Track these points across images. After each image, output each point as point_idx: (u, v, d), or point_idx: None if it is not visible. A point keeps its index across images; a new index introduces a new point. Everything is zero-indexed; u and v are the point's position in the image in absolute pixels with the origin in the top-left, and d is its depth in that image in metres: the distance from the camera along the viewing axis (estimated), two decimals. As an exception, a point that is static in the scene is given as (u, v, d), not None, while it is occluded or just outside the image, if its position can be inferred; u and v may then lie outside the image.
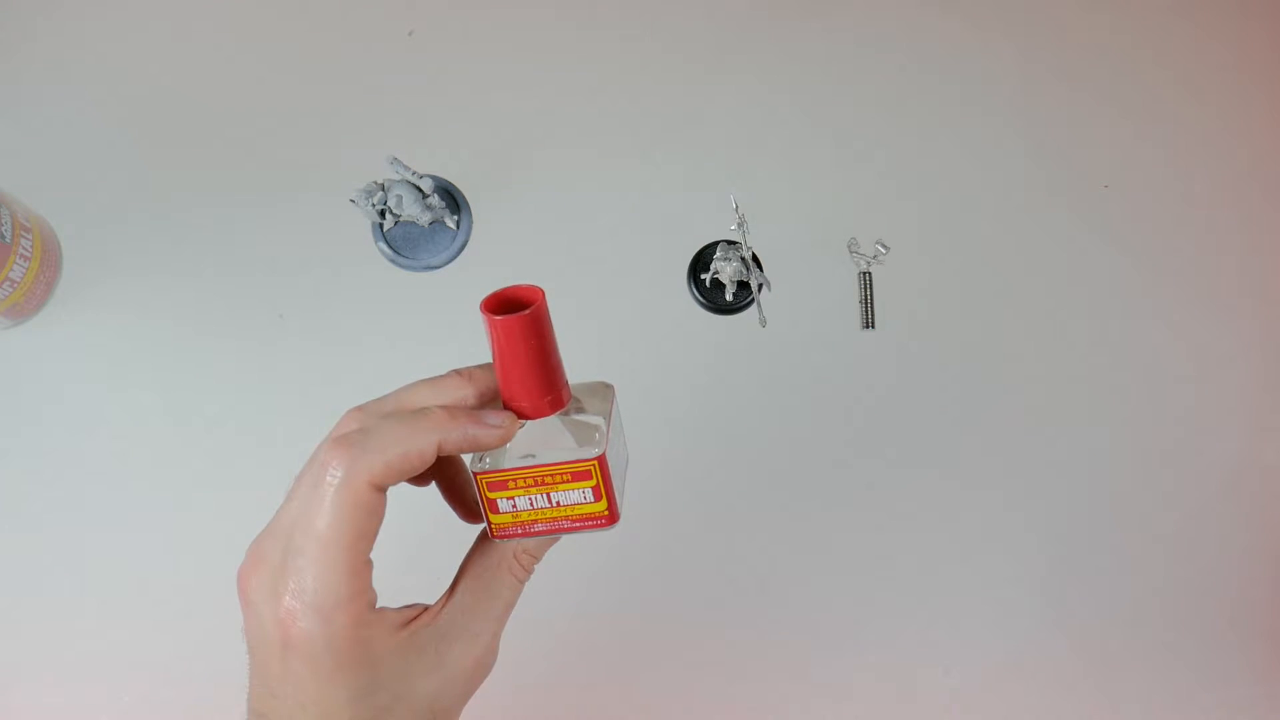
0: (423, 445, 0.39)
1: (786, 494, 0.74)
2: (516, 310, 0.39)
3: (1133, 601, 0.74)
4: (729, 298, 0.75)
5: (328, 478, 0.37)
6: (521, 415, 0.42)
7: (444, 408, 0.40)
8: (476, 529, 0.46)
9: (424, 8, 0.79)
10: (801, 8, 0.80)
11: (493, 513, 0.42)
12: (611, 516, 0.42)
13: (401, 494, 0.44)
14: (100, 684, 0.70)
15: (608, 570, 0.71)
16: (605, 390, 0.45)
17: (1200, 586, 0.74)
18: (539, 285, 0.40)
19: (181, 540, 0.72)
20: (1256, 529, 0.74)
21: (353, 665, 0.38)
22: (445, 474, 0.46)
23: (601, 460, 0.41)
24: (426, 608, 0.42)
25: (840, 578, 0.73)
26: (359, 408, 0.41)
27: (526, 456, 0.41)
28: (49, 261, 0.73)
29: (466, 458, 0.43)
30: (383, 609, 0.40)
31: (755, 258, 0.75)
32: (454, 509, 0.47)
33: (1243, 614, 0.74)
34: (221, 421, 0.73)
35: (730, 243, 0.74)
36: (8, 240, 0.67)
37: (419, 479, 0.46)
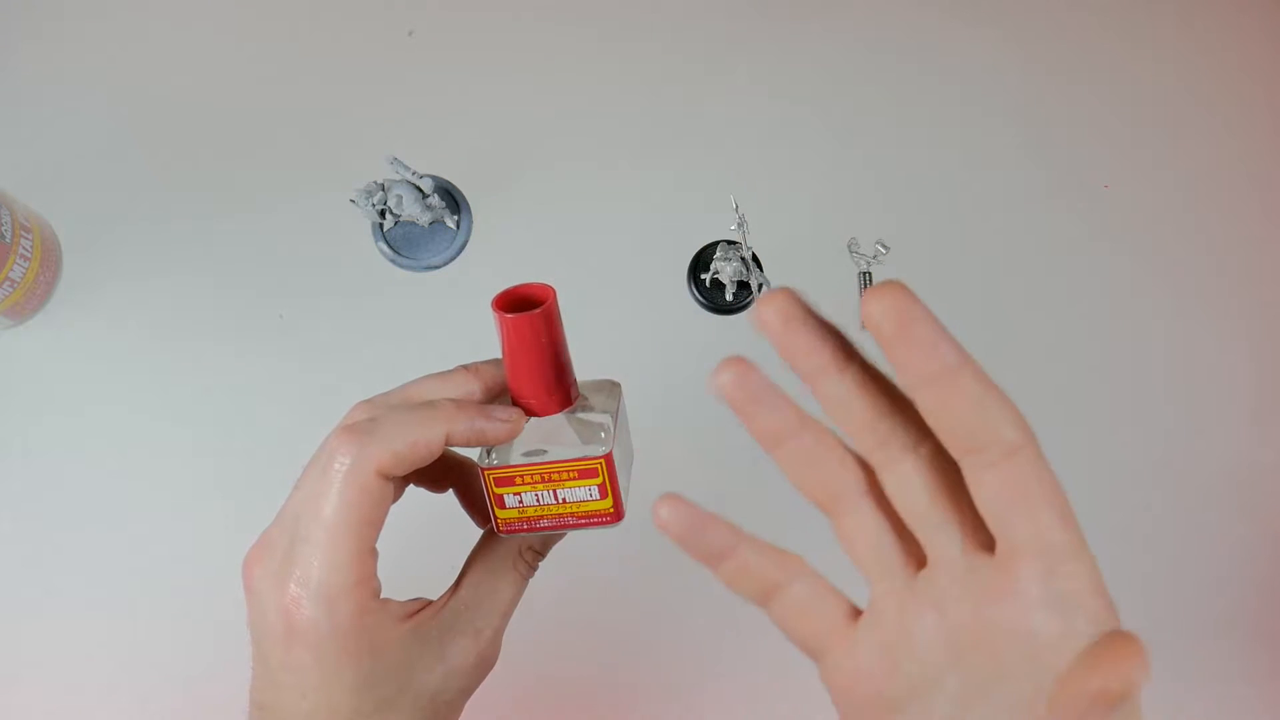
0: (430, 436, 0.39)
1: (786, 493, 0.74)
2: (527, 308, 0.39)
3: (1130, 602, 0.74)
4: (729, 298, 0.75)
5: (335, 465, 0.38)
6: (529, 412, 0.42)
7: (452, 401, 0.40)
8: (481, 528, 0.46)
9: (424, 8, 0.79)
10: (801, 8, 0.80)
11: (499, 508, 0.42)
12: (616, 514, 0.43)
13: (409, 494, 0.44)
14: (100, 684, 0.70)
15: (609, 567, 0.71)
16: (612, 388, 0.45)
17: (1198, 586, 0.74)
18: (549, 284, 0.40)
19: (182, 539, 0.71)
20: (1254, 529, 0.75)
21: (356, 654, 0.38)
22: (462, 480, 0.46)
23: (608, 458, 0.41)
24: (431, 602, 0.42)
25: (841, 577, 0.73)
26: (367, 400, 0.41)
27: (533, 453, 0.41)
28: (49, 261, 0.72)
29: (474, 455, 0.43)
30: (387, 600, 0.40)
31: (755, 258, 0.75)
32: (471, 516, 0.47)
33: (1241, 614, 0.74)
34: (221, 421, 0.73)
35: (730, 243, 0.74)
36: (8, 240, 0.67)
37: (435, 484, 0.46)
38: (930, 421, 0.31)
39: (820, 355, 0.32)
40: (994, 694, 0.32)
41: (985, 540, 0.32)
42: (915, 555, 0.34)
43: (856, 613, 0.35)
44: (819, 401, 0.33)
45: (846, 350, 0.32)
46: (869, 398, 0.32)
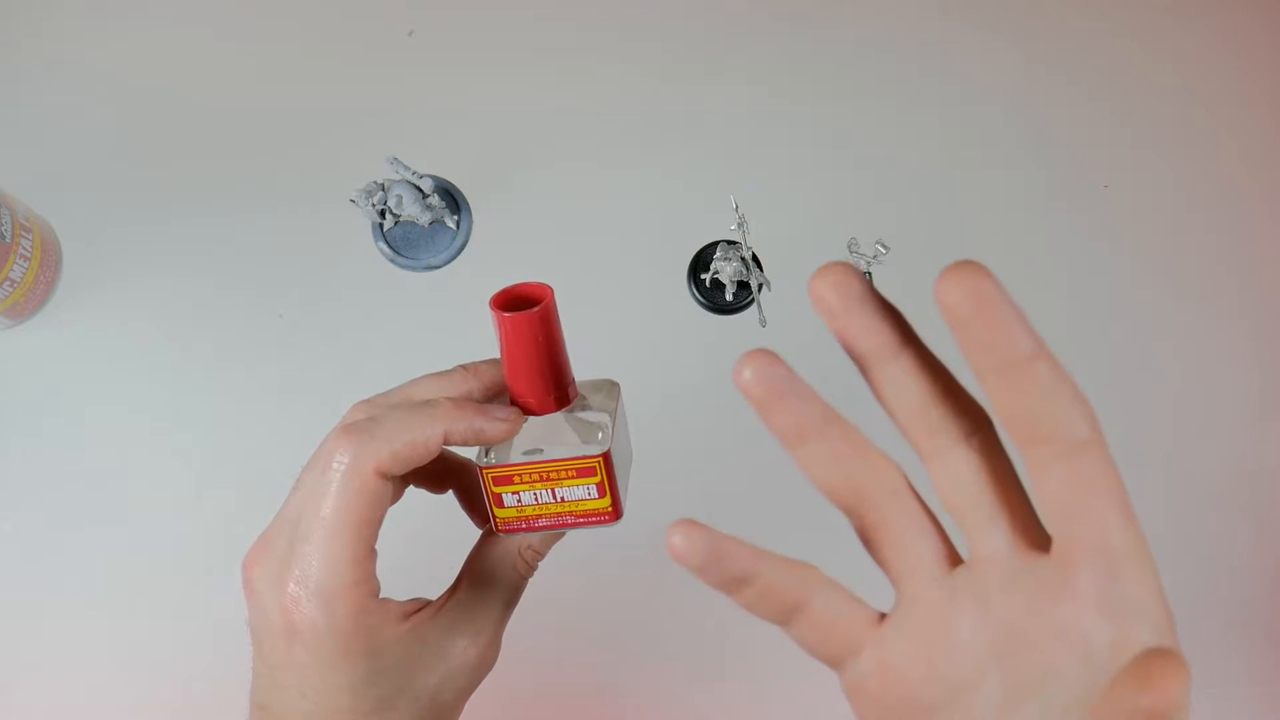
0: (429, 435, 0.39)
1: (787, 494, 0.74)
2: (525, 307, 0.39)
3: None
4: (729, 298, 0.75)
5: (334, 464, 0.38)
6: (528, 411, 0.42)
7: (451, 400, 0.40)
8: (481, 529, 0.46)
9: (424, 8, 0.79)
10: (801, 8, 0.80)
11: (498, 507, 0.42)
12: (615, 513, 0.43)
13: (409, 494, 0.44)
14: (100, 684, 0.70)
15: (608, 568, 0.71)
16: (611, 388, 0.45)
17: (1199, 587, 0.74)
18: (547, 283, 0.40)
19: (182, 540, 0.72)
20: (1255, 529, 0.75)
21: (355, 653, 0.38)
22: (462, 480, 0.46)
23: (606, 457, 0.41)
24: (430, 602, 0.43)
25: (841, 579, 0.73)
26: (366, 400, 0.41)
27: (532, 452, 0.41)
28: (49, 261, 0.72)
29: (473, 455, 0.43)
30: (386, 599, 0.40)
31: (755, 258, 0.75)
32: (470, 516, 0.47)
33: (1242, 614, 0.74)
34: (221, 421, 0.73)
35: (730, 243, 0.74)
36: (8, 240, 0.67)
37: (435, 484, 0.46)
38: (998, 408, 0.29)
39: (878, 336, 0.31)
40: (1038, 698, 0.30)
41: (1036, 538, 0.31)
42: (949, 552, 0.33)
43: (880, 618, 0.33)
44: (869, 384, 0.32)
45: (905, 332, 0.31)
46: (923, 383, 0.31)
